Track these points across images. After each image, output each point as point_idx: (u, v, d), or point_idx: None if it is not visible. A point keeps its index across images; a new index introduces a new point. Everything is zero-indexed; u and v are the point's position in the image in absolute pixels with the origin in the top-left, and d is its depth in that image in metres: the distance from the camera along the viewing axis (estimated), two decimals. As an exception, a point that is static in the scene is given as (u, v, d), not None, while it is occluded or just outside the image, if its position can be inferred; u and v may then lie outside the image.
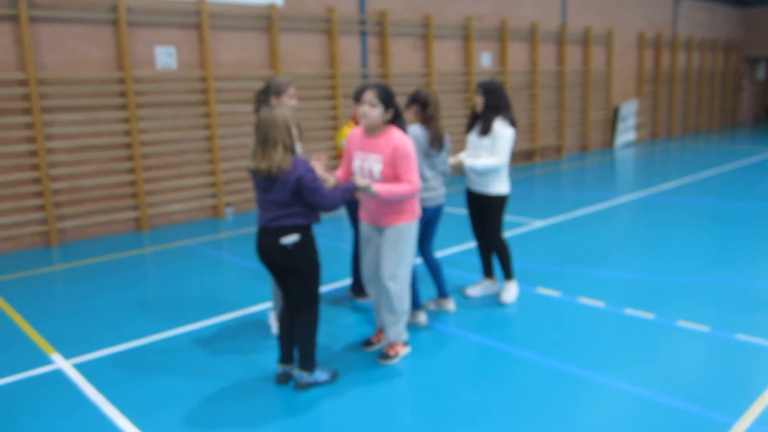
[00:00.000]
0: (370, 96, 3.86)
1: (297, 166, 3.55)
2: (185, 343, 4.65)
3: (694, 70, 20.56)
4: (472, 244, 6.89)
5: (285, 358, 3.93)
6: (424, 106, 4.54)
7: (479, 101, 4.96)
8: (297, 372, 3.85)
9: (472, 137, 5.08)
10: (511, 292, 5.27)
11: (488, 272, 5.46)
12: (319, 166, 3.94)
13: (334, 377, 3.94)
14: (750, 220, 8.01)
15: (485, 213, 5.12)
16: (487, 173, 4.96)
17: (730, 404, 3.51)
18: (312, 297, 3.82)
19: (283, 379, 3.91)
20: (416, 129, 4.49)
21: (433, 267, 4.93)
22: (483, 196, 5.07)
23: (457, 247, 7.03)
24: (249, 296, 5.58)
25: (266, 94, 4.50)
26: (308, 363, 3.83)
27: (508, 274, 5.27)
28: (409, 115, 4.60)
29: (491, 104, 4.90)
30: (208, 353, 4.45)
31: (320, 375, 3.88)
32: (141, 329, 4.92)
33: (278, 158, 3.50)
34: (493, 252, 5.26)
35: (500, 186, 5.02)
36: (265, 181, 3.61)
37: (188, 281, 6.21)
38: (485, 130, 4.91)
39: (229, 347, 4.54)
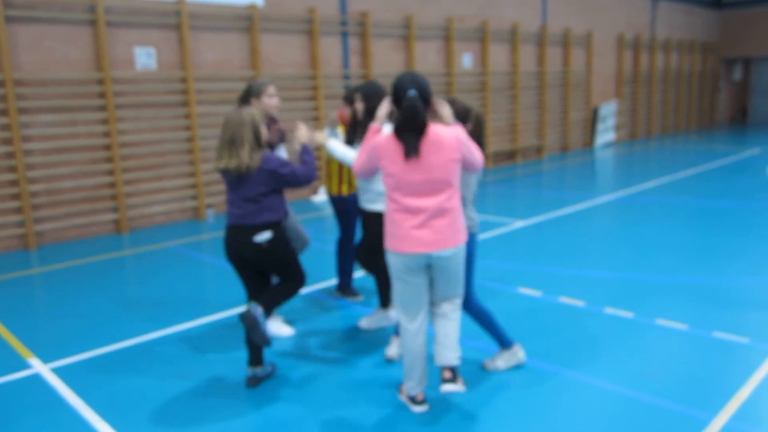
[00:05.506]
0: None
1: (268, 161, 3.62)
2: (165, 345, 4.62)
3: (672, 71, 20.81)
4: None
5: (254, 360, 3.91)
6: (463, 121, 3.84)
7: (359, 107, 4.43)
8: (254, 304, 3.70)
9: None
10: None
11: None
12: (304, 129, 3.98)
13: (268, 342, 3.73)
14: (727, 219, 8.13)
15: (367, 232, 4.60)
16: (343, 161, 4.23)
17: (708, 401, 3.56)
18: (299, 272, 3.93)
19: (253, 381, 3.90)
20: None
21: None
22: (366, 213, 4.57)
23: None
24: (230, 298, 5.55)
25: (247, 97, 4.49)
26: (268, 305, 3.81)
27: (386, 301, 4.75)
28: None
29: (373, 110, 4.26)
30: (188, 356, 4.42)
31: (264, 326, 3.67)
32: (120, 332, 4.87)
33: (246, 157, 3.56)
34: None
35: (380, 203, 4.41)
36: (236, 179, 3.65)
37: (169, 283, 6.16)
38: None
39: (211, 349, 4.51)
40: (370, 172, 3.50)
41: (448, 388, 3.51)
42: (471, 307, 3.95)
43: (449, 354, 3.52)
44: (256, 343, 3.73)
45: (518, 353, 4.07)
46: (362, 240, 4.68)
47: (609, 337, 4.50)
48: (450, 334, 3.54)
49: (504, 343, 4.05)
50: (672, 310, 4.96)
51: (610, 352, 4.25)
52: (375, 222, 4.42)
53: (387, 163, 3.31)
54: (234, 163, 3.58)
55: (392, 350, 4.25)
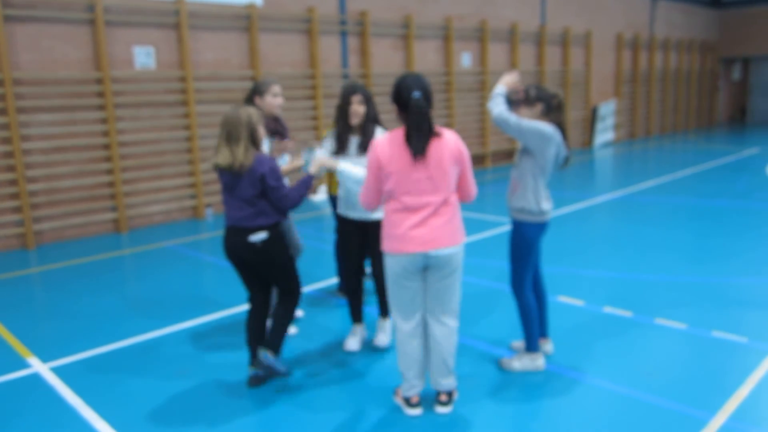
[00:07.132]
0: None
1: (262, 164, 3.60)
2: (165, 345, 4.62)
3: (671, 71, 20.82)
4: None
5: (255, 361, 3.92)
6: (549, 109, 3.83)
7: (360, 110, 4.03)
8: (263, 350, 3.79)
9: (353, 159, 4.09)
10: (388, 331, 4.48)
11: (359, 317, 4.51)
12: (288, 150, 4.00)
13: (288, 373, 3.88)
14: (726, 218, 8.14)
15: (372, 242, 4.19)
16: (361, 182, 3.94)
17: (707, 400, 3.56)
18: (296, 282, 3.91)
19: (255, 381, 3.91)
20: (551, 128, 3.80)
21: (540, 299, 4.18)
22: (369, 224, 4.19)
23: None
24: (229, 297, 5.55)
25: (252, 95, 4.49)
26: (277, 345, 3.85)
27: (386, 311, 4.47)
28: (530, 112, 3.84)
29: (372, 114, 4.07)
30: (188, 355, 4.42)
31: (280, 364, 3.83)
32: (119, 331, 4.87)
33: (240, 155, 3.55)
34: (364, 285, 4.51)
35: None
36: (231, 179, 3.64)
37: (168, 283, 6.16)
38: (368, 146, 3.96)
39: (210, 348, 4.51)
40: (379, 195, 3.38)
41: (441, 410, 3.52)
42: (519, 295, 3.94)
43: (444, 381, 3.51)
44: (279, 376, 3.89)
45: (537, 361, 4.00)
46: (373, 256, 4.28)
47: (608, 337, 4.50)
48: (447, 361, 3.48)
49: (530, 345, 4.00)
50: (671, 310, 4.96)
51: (609, 352, 4.25)
52: (378, 231, 4.09)
53: (388, 164, 3.26)
54: (229, 159, 3.57)
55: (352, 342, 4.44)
